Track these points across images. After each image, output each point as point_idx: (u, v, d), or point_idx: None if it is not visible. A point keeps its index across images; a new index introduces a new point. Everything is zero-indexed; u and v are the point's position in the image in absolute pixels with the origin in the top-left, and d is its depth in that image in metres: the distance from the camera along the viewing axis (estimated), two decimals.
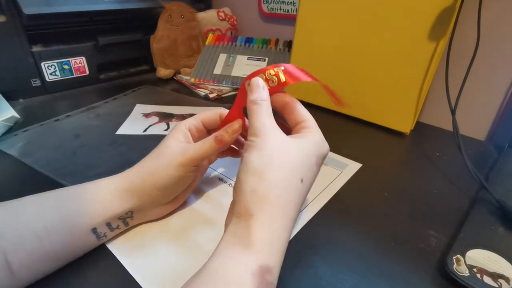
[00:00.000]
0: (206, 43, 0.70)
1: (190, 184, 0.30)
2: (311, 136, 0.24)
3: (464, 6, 0.37)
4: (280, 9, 0.70)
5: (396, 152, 0.45)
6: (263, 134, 0.22)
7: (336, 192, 0.34)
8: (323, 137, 0.25)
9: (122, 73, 0.66)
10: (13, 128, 0.45)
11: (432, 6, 0.39)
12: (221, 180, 0.35)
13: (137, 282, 0.23)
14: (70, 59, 0.57)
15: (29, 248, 0.22)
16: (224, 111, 0.30)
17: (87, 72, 0.60)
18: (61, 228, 0.23)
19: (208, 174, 0.36)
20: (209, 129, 0.31)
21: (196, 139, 0.29)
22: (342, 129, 0.49)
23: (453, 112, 0.40)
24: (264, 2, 0.72)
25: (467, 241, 0.27)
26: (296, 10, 0.64)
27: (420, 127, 0.50)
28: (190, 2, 0.69)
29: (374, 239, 0.28)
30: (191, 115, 0.50)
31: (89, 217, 0.24)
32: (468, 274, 0.24)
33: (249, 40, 0.69)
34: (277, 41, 0.69)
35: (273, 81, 0.25)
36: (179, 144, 0.27)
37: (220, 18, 0.74)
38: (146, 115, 0.50)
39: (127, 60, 0.67)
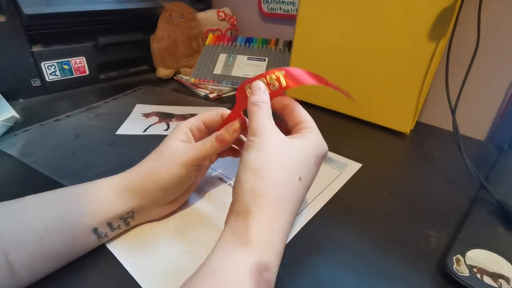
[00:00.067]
0: (206, 43, 0.70)
1: (191, 185, 0.30)
2: (310, 136, 0.24)
3: (464, 6, 0.37)
4: (280, 9, 0.70)
5: (396, 152, 0.45)
6: (262, 134, 0.23)
7: (336, 192, 0.34)
8: (322, 137, 0.25)
9: (122, 73, 0.66)
10: (13, 128, 0.45)
11: (432, 6, 0.39)
12: (221, 180, 0.35)
13: (137, 282, 0.23)
14: (70, 59, 0.57)
15: (30, 248, 0.22)
16: (225, 111, 0.30)
17: (87, 72, 0.60)
18: (61, 228, 0.23)
19: (208, 174, 0.36)
20: (210, 129, 0.31)
21: (197, 139, 0.29)
22: (342, 129, 0.49)
23: (453, 112, 0.40)
24: (264, 2, 0.72)
25: (467, 241, 0.27)
26: (296, 10, 0.64)
27: (420, 127, 0.50)
28: (190, 2, 0.69)
29: (374, 239, 0.28)
30: (191, 115, 0.51)
31: (90, 217, 0.24)
32: (468, 274, 0.24)
33: (249, 40, 0.69)
34: (277, 41, 0.69)
35: (274, 85, 0.25)
36: (180, 144, 0.27)
37: (220, 18, 0.74)
38: (146, 115, 0.50)
39: (127, 60, 0.67)
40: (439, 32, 0.39)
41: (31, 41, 0.52)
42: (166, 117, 0.49)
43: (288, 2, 0.68)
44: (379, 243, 0.28)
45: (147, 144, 0.41)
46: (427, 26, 0.40)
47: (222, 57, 0.67)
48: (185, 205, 0.31)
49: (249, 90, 0.26)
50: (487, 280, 0.23)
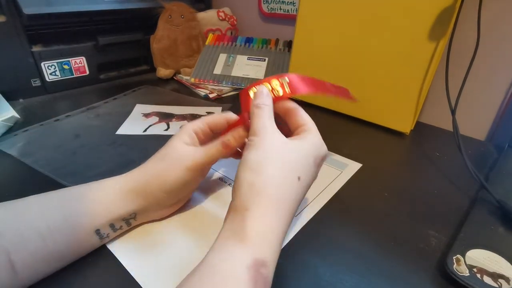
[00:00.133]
0: (206, 43, 0.70)
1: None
2: (310, 138, 0.24)
3: (464, 6, 0.37)
4: (280, 9, 0.70)
5: (396, 152, 0.45)
6: (262, 134, 0.23)
7: (336, 192, 0.34)
8: (321, 139, 0.25)
9: (122, 73, 0.66)
10: (13, 128, 0.45)
11: (432, 6, 0.39)
12: (221, 180, 0.35)
13: (137, 282, 0.23)
14: (70, 59, 0.57)
15: (32, 248, 0.22)
16: (231, 116, 0.30)
17: (87, 72, 0.60)
18: (64, 228, 0.23)
19: (209, 174, 0.36)
20: (215, 133, 0.31)
21: (202, 141, 0.29)
22: (342, 129, 0.49)
23: (453, 112, 0.40)
24: (264, 2, 0.72)
25: (467, 241, 0.27)
26: (296, 10, 0.64)
27: (420, 127, 0.50)
28: (190, 2, 0.69)
29: (374, 239, 0.28)
30: (191, 115, 0.51)
31: (93, 218, 0.24)
32: (468, 274, 0.24)
33: (249, 40, 0.69)
34: (277, 41, 0.69)
35: (277, 91, 0.26)
36: (185, 147, 0.27)
37: (220, 18, 0.74)
38: (146, 115, 0.50)
39: (127, 60, 0.67)
40: (439, 32, 0.39)
41: (31, 41, 0.52)
42: (166, 117, 0.49)
43: (288, 2, 0.68)
44: (379, 243, 0.28)
45: (147, 144, 0.41)
46: (427, 26, 0.40)
47: (222, 57, 0.67)
48: (186, 205, 0.31)
49: (253, 94, 0.26)
50: (487, 280, 0.23)
